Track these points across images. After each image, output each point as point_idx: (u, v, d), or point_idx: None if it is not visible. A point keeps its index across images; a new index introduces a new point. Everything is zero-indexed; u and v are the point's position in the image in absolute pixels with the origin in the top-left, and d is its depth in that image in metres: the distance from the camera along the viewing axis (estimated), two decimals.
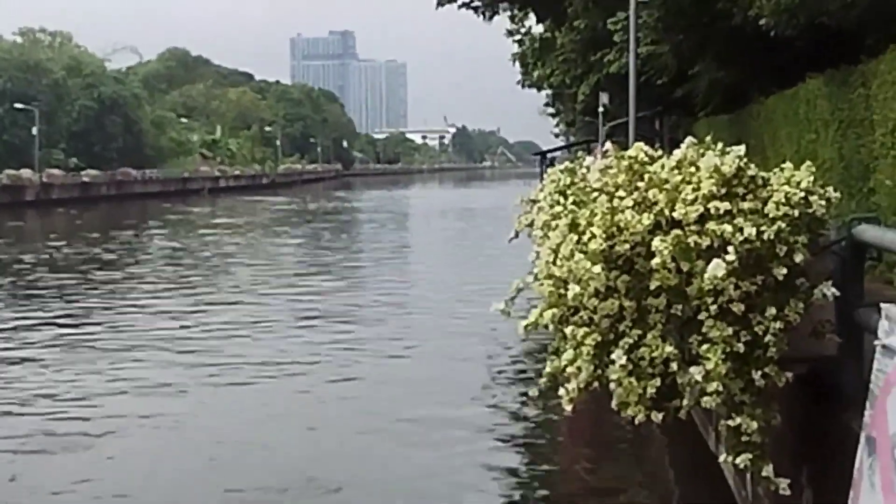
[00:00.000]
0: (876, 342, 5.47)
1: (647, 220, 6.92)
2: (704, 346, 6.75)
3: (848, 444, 5.88)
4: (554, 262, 7.24)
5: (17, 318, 25.32)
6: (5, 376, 18.69)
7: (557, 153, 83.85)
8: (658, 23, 31.80)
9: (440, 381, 18.50)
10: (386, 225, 60.57)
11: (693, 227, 6.80)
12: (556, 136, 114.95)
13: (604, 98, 51.80)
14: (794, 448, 8.09)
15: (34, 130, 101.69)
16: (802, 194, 6.93)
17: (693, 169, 7.14)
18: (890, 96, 14.57)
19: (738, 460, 6.92)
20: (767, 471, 6.90)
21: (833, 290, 6.99)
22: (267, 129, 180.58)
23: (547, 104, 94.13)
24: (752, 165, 7.18)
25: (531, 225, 9.08)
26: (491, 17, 43.24)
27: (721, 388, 6.73)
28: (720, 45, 28.16)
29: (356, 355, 20.52)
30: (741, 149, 7.25)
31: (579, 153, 10.48)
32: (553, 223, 7.55)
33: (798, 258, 6.79)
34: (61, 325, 24.12)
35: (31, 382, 18.25)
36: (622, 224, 6.96)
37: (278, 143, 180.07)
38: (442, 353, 20.84)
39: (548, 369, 7.38)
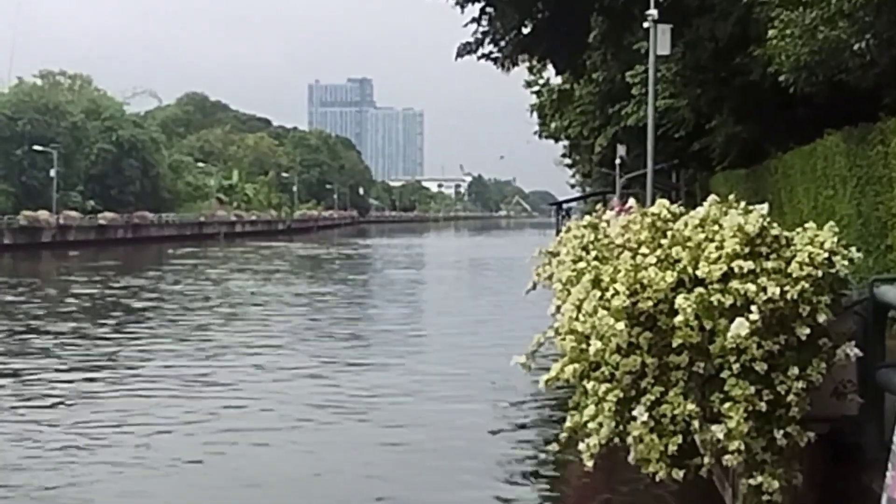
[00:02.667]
0: None
1: (670, 277, 6.95)
2: (726, 405, 6.77)
3: None
4: (577, 318, 7.27)
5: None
6: None
7: (573, 203, 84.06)
8: (676, 77, 31.95)
9: None
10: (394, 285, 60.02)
11: (716, 286, 6.83)
12: (572, 186, 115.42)
13: (621, 150, 51.88)
14: None
15: (52, 172, 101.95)
16: (826, 255, 6.96)
17: (716, 227, 7.17)
18: None
19: None
20: None
21: (855, 350, 7.01)
22: (284, 174, 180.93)
23: (564, 155, 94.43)
24: (776, 225, 7.21)
25: (550, 278, 9.11)
26: (510, 69, 43.23)
27: (743, 447, 6.75)
28: (738, 100, 28.25)
29: None
30: (764, 207, 7.29)
31: (597, 206, 10.52)
32: (575, 278, 7.58)
33: (821, 318, 6.82)
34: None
35: None
36: (645, 281, 6.99)
37: (295, 188, 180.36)
38: None
39: (568, 424, 7.39)
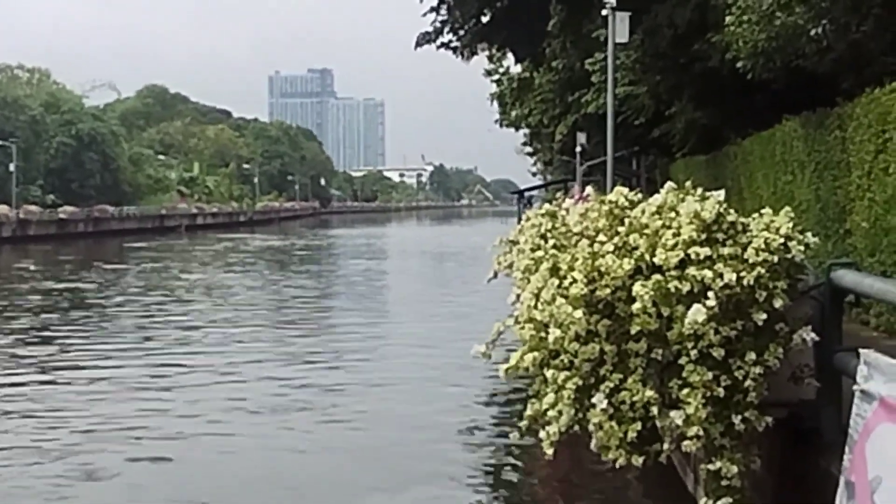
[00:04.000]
0: (854, 387, 5.52)
1: (627, 264, 6.97)
2: (685, 391, 6.80)
3: (827, 489, 5.92)
4: (535, 306, 7.28)
5: None
6: None
7: (535, 192, 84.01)
8: (636, 64, 31.95)
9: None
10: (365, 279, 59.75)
11: (673, 273, 6.85)
12: (534, 174, 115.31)
13: (581, 138, 51.82)
14: (773, 492, 8.12)
15: (11, 167, 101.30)
16: (782, 240, 6.99)
17: (673, 214, 7.19)
18: (865, 139, 14.67)
19: None
20: None
21: (812, 334, 7.05)
22: (245, 166, 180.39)
23: (524, 143, 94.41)
24: (732, 211, 7.23)
25: (510, 266, 9.12)
26: (469, 58, 43.25)
27: (701, 433, 6.78)
28: (697, 87, 28.29)
29: None
30: (721, 194, 7.31)
31: (557, 194, 10.51)
32: (534, 267, 7.59)
33: (777, 303, 6.85)
34: None
35: None
36: (603, 269, 7.00)
37: (256, 180, 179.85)
38: None
39: (528, 412, 7.40)
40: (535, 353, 7.28)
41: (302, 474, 14.90)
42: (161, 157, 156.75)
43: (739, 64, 19.14)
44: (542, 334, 7.20)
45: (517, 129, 76.14)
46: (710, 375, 6.77)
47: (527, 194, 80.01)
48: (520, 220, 10.30)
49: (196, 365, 23.25)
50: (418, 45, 43.05)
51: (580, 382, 7.05)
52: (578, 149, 53.36)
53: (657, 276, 6.84)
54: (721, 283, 6.74)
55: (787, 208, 7.47)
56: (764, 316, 6.84)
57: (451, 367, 21.39)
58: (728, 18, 18.57)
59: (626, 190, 8.08)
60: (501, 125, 73.70)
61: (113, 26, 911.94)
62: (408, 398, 19.82)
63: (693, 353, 6.79)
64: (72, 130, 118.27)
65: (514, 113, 67.34)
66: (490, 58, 57.46)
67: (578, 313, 6.88)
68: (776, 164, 20.76)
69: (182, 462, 15.23)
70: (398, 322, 33.67)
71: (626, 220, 7.43)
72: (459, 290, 40.85)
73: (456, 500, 13.51)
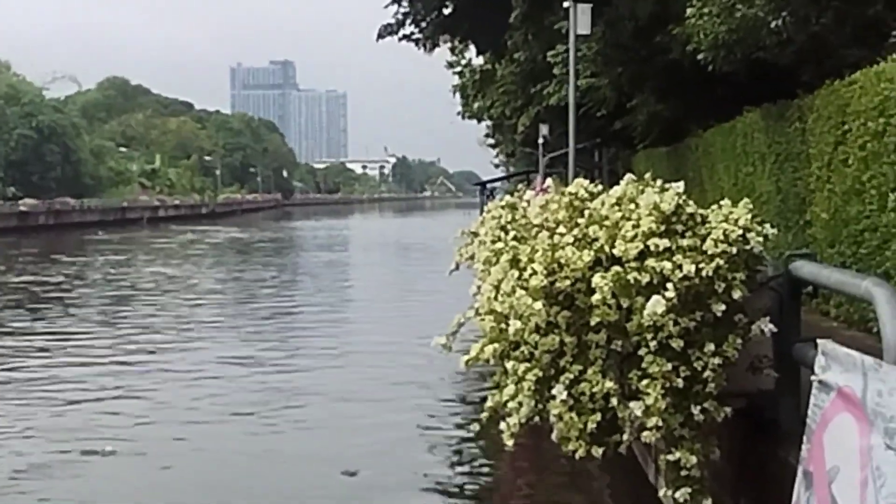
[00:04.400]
0: (812, 377, 5.54)
1: (587, 256, 6.98)
2: (644, 382, 6.82)
3: (785, 478, 5.95)
4: (495, 298, 7.29)
5: None
6: None
7: (497, 184, 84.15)
8: (597, 56, 32.04)
9: None
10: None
11: (633, 264, 6.87)
12: (496, 166, 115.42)
13: (543, 129, 51.94)
14: (732, 482, 8.16)
15: None
16: (740, 231, 7.02)
17: (633, 206, 7.21)
18: (825, 131, 14.74)
19: (677, 494, 6.98)
20: None
21: (770, 325, 7.08)
22: (207, 158, 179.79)
23: (487, 135, 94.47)
24: (692, 202, 7.26)
25: (472, 258, 9.13)
26: (431, 49, 43.27)
27: (661, 423, 6.80)
28: (658, 79, 28.37)
29: None
30: (680, 185, 7.33)
31: (519, 186, 10.52)
32: (494, 258, 7.59)
33: (736, 294, 6.89)
34: None
35: None
36: (563, 260, 7.01)
37: (218, 172, 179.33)
38: None
39: (489, 403, 7.41)
40: (496, 345, 7.29)
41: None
42: (122, 149, 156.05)
43: (700, 56, 19.20)
44: (503, 326, 7.21)
45: (480, 120, 76.21)
46: (669, 366, 6.79)
47: (489, 186, 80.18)
48: (482, 211, 10.29)
49: (150, 362, 23.03)
50: (380, 36, 43.06)
51: (540, 374, 7.06)
52: (541, 140, 53.50)
53: (617, 268, 6.85)
54: (680, 275, 6.76)
55: (746, 200, 7.50)
56: (723, 307, 6.87)
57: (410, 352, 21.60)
58: (689, 11, 18.63)
59: (586, 182, 8.09)
60: (464, 117, 73.78)
61: (74, 18, 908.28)
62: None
63: (652, 344, 6.81)
64: (32, 123, 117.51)
65: (476, 105, 67.38)
66: (452, 50, 57.53)
67: (538, 305, 6.88)
68: (737, 156, 20.85)
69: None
70: (360, 314, 33.61)
71: (586, 212, 7.44)
72: (421, 282, 40.85)
73: None
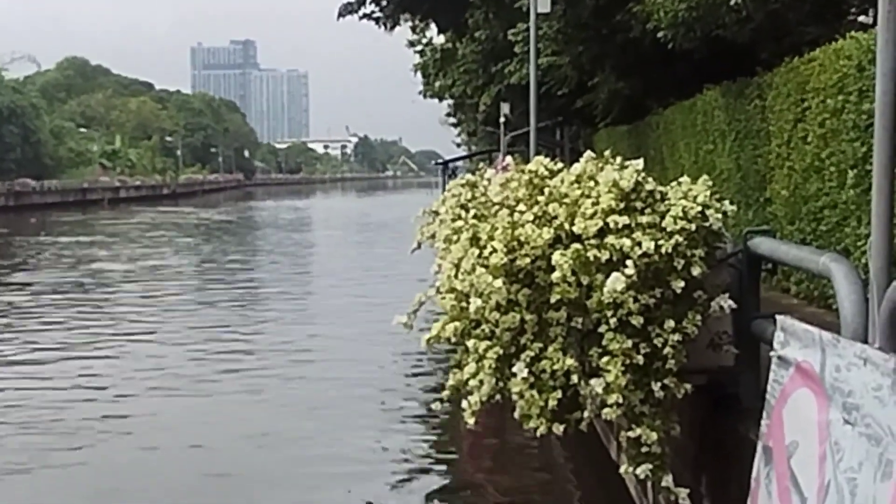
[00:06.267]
0: (772, 353, 5.56)
1: (547, 234, 6.98)
2: (605, 359, 6.83)
3: (745, 454, 5.97)
4: (456, 276, 7.28)
5: None
6: None
7: (459, 162, 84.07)
8: (558, 34, 31.98)
9: None
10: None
11: (592, 241, 6.87)
12: (458, 145, 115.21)
13: (505, 108, 51.88)
14: (693, 458, 8.20)
15: None
16: (699, 208, 7.03)
17: (592, 183, 7.21)
18: (785, 108, 14.82)
19: (638, 471, 7.01)
20: (667, 481, 7.00)
21: (730, 302, 7.11)
22: (168, 138, 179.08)
23: (449, 114, 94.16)
24: (651, 180, 7.26)
25: (433, 237, 9.12)
26: (392, 28, 43.21)
27: (621, 400, 6.82)
28: (619, 57, 28.38)
29: None
30: (639, 163, 7.33)
31: (481, 164, 10.45)
32: (455, 237, 7.58)
33: (696, 271, 6.90)
34: None
35: None
36: (523, 238, 7.01)
37: (179, 153, 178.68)
38: None
39: (451, 382, 7.41)
40: (457, 323, 7.28)
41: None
42: (82, 129, 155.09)
43: (661, 34, 19.26)
44: (463, 304, 7.20)
45: (441, 99, 75.91)
46: (629, 343, 6.80)
47: (451, 165, 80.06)
48: (444, 190, 10.27)
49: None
50: (341, 15, 42.96)
51: (501, 352, 7.05)
52: (502, 119, 53.43)
53: (576, 245, 6.85)
54: (639, 252, 6.76)
55: (706, 177, 7.52)
56: (682, 284, 6.88)
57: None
58: None
59: (546, 160, 8.08)
60: (425, 96, 73.47)
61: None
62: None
63: (612, 321, 6.81)
64: None
65: (437, 84, 67.14)
66: (413, 28, 57.30)
67: (498, 283, 6.88)
68: (697, 134, 20.93)
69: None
70: (323, 296, 33.61)
71: (546, 190, 7.44)
72: (384, 260, 40.86)
73: None
